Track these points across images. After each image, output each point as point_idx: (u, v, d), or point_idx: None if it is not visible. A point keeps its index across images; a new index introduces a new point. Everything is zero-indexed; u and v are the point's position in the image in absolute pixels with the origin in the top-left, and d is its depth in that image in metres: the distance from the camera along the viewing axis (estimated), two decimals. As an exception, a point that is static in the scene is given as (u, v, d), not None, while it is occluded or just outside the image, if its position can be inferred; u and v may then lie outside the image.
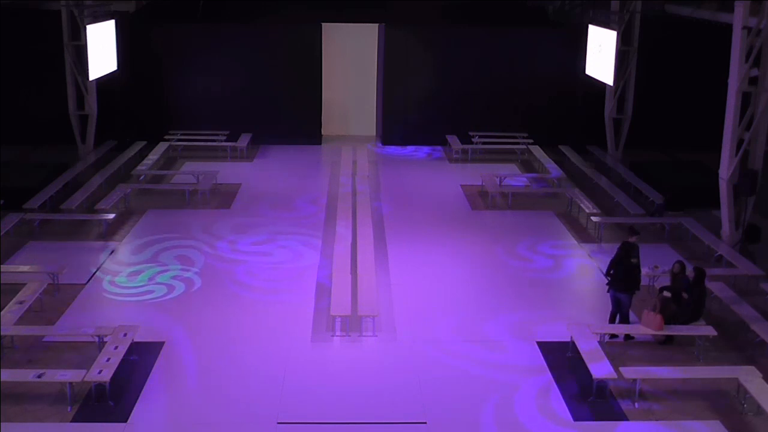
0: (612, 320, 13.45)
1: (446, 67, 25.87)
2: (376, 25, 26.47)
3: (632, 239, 13.52)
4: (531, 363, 12.45)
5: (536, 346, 12.96)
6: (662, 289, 13.40)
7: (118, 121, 25.01)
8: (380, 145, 26.34)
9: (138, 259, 16.32)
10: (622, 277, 13.16)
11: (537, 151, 24.37)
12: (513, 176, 22.37)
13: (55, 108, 23.89)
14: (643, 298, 13.90)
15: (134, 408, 11.01)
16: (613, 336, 13.12)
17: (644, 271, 14.00)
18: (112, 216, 18.07)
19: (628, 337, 13.18)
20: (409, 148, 26.10)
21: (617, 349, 12.88)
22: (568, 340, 12.70)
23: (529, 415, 11.04)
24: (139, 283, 15.21)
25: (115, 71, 23.12)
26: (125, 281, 15.28)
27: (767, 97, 16.21)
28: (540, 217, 19.40)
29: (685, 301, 13.07)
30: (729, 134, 16.72)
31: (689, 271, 13.47)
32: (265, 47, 25.59)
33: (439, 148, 26.06)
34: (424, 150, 25.94)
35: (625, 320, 13.29)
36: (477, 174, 22.11)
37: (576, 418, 10.98)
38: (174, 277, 15.43)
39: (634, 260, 13.14)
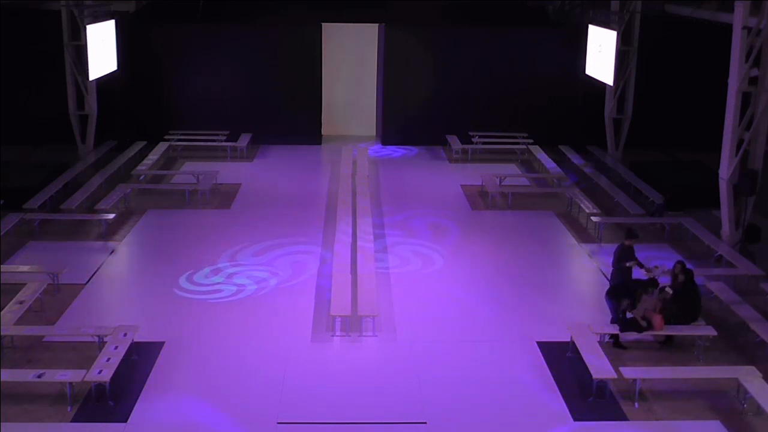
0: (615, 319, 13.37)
1: (446, 67, 25.86)
2: (376, 25, 26.46)
3: (627, 243, 13.48)
4: (531, 363, 12.45)
5: (536, 346, 12.95)
6: (663, 288, 13.37)
7: (118, 121, 25.00)
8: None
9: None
10: (613, 282, 13.13)
11: (537, 151, 24.37)
12: (513, 176, 22.39)
13: (55, 108, 23.88)
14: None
15: (134, 408, 11.01)
16: (613, 336, 13.11)
17: (644, 271, 13.96)
18: (112, 216, 18.07)
19: (617, 343, 13.01)
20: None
21: (617, 349, 12.88)
22: (568, 340, 12.71)
23: (529, 416, 11.03)
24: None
25: (115, 71, 23.12)
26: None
27: (767, 97, 16.21)
28: (540, 217, 19.40)
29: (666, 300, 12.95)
30: (729, 134, 16.71)
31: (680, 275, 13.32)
32: (265, 47, 25.58)
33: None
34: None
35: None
36: (477, 174, 22.11)
37: (576, 418, 10.98)
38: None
39: (629, 264, 13.08)
